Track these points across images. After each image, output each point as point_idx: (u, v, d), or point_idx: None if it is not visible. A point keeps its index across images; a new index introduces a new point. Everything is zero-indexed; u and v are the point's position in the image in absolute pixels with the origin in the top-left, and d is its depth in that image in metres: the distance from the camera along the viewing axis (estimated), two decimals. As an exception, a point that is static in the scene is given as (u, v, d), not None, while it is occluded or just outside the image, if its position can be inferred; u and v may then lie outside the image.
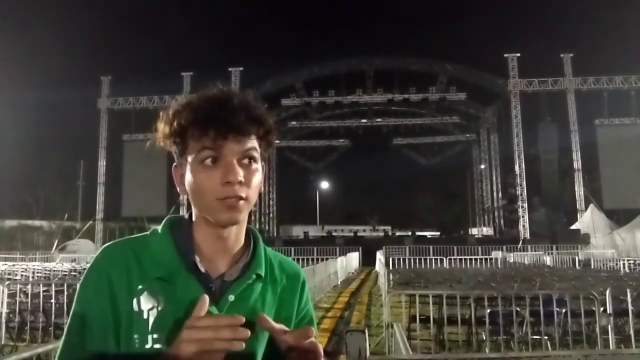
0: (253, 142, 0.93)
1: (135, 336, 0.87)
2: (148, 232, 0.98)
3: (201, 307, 0.82)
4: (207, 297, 0.84)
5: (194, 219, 0.97)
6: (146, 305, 0.88)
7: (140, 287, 0.89)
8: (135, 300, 0.88)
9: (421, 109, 38.21)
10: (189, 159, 0.91)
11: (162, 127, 0.94)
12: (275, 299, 0.99)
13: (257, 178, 0.93)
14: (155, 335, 0.87)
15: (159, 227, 0.98)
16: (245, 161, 0.91)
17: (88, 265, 0.95)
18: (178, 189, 0.96)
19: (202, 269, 0.92)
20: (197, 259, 0.92)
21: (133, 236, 0.98)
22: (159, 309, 0.88)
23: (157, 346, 0.86)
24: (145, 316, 0.87)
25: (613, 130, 30.46)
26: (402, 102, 35.78)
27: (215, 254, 0.95)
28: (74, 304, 0.90)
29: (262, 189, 0.98)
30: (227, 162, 0.89)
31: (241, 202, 0.90)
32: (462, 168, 47.43)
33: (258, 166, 0.94)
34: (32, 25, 63.75)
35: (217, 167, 0.89)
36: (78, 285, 0.93)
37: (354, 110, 38.47)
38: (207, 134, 0.89)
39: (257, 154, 0.93)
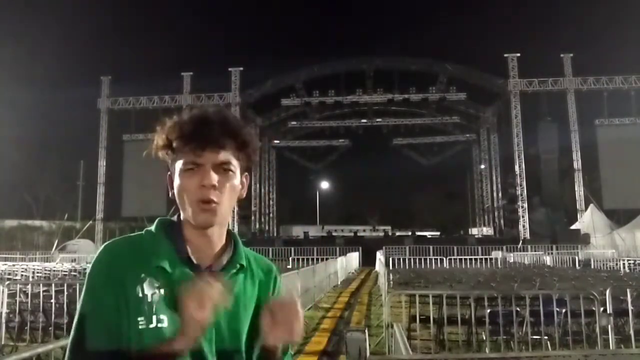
0: (228, 155, 1.07)
1: (140, 319, 0.99)
2: (142, 232, 1.11)
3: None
4: (191, 285, 0.97)
5: (182, 219, 1.11)
6: (149, 290, 1.01)
7: (142, 275, 1.01)
8: (139, 287, 1.00)
9: (421, 109, 38.21)
10: (177, 167, 1.08)
11: (157, 140, 1.11)
12: (255, 288, 1.14)
13: (231, 185, 1.08)
14: (160, 316, 0.99)
15: (152, 227, 1.12)
16: (221, 170, 1.06)
17: (90, 263, 1.05)
18: (170, 193, 1.11)
19: (194, 260, 1.07)
20: (189, 251, 1.07)
21: (130, 235, 1.11)
22: (160, 293, 1.01)
23: (160, 325, 0.99)
24: (149, 300, 1.00)
25: (613, 130, 30.48)
26: (402, 102, 35.78)
27: (203, 248, 1.09)
28: (82, 298, 1.01)
29: (249, 194, 1.04)
30: (204, 170, 1.05)
31: (214, 205, 1.05)
32: (462, 168, 47.49)
33: (234, 175, 1.09)
34: (33, 25, 63.77)
35: (196, 173, 1.05)
36: (85, 280, 1.03)
37: (354, 110, 38.46)
38: (189, 146, 1.05)
39: (232, 165, 1.08)
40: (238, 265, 1.10)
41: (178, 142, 1.07)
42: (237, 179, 1.09)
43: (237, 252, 1.13)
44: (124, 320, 0.98)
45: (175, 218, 1.13)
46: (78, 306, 1.01)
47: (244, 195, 1.14)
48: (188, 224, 1.08)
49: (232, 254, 1.12)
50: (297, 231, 41.71)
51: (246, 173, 1.13)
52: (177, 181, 1.07)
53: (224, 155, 1.06)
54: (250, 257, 1.17)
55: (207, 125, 1.06)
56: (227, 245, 1.13)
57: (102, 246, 1.05)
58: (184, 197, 1.06)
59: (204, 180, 1.04)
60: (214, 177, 1.04)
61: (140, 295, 0.99)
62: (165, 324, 0.99)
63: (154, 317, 0.99)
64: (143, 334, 0.97)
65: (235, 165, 1.08)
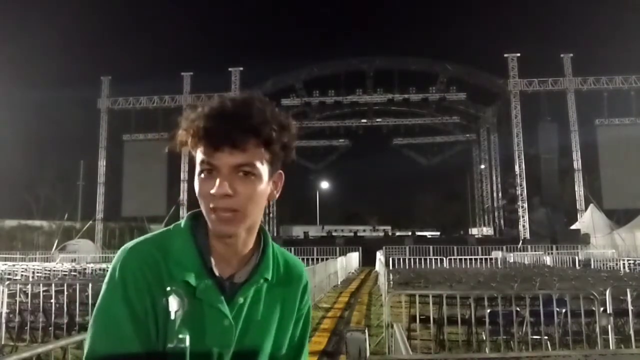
0: (250, 155, 0.91)
1: (162, 335, 0.91)
2: (171, 227, 1.01)
3: None
4: None
5: None
6: (173, 306, 0.91)
7: (168, 288, 0.92)
8: (164, 301, 0.91)
9: (421, 109, 38.18)
10: (197, 167, 0.95)
11: (180, 135, 0.97)
12: (280, 299, 1.03)
13: (255, 190, 0.93)
14: (180, 336, 0.90)
15: (182, 222, 1.01)
16: (241, 174, 0.92)
17: (114, 265, 0.94)
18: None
19: (217, 273, 0.96)
20: (213, 262, 0.96)
21: (157, 234, 0.99)
22: (183, 309, 0.92)
23: (181, 345, 0.90)
24: (172, 317, 0.91)
25: (613, 130, 30.46)
26: (402, 102, 35.75)
27: (226, 254, 0.98)
28: (102, 301, 0.92)
29: (274, 197, 0.98)
30: (218, 174, 0.91)
31: (232, 214, 0.91)
32: (462, 168, 47.44)
33: (257, 179, 0.93)
34: (33, 25, 63.75)
35: (211, 177, 0.92)
36: (105, 284, 0.94)
37: (354, 110, 38.44)
38: (201, 146, 0.92)
39: (254, 167, 0.92)
40: (262, 280, 0.99)
41: (192, 141, 0.93)
42: (261, 183, 0.93)
43: (264, 260, 1.00)
44: (144, 333, 0.90)
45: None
46: (101, 304, 0.92)
47: (277, 196, 1.00)
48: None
49: (258, 262, 1.00)
50: (297, 231, 41.68)
51: (280, 171, 0.98)
52: (195, 184, 0.94)
53: (243, 157, 0.91)
54: (280, 261, 1.05)
55: (222, 120, 0.90)
56: (254, 250, 1.01)
57: (130, 247, 0.95)
58: (201, 203, 0.94)
59: (216, 189, 0.89)
60: (226, 186, 0.89)
61: (164, 310, 0.91)
62: (186, 344, 0.90)
63: (175, 338, 0.90)
64: (161, 352, 0.90)
65: (259, 167, 0.92)
